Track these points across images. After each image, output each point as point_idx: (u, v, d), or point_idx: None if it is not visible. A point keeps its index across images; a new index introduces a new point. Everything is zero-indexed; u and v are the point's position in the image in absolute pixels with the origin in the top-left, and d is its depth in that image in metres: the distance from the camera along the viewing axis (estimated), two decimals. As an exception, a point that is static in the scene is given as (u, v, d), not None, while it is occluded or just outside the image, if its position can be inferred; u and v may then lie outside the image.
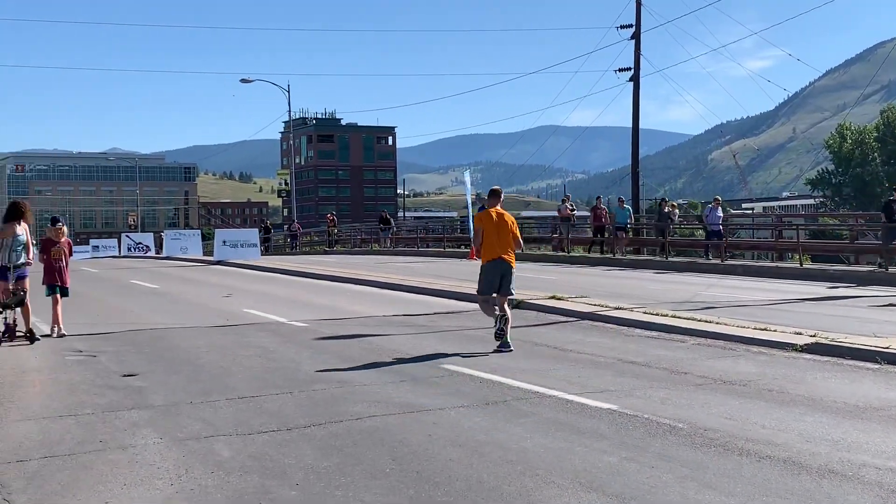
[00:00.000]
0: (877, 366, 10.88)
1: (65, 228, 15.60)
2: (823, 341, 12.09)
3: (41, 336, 13.98)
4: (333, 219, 59.59)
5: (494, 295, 13.09)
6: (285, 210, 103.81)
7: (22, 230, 13.95)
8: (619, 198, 39.89)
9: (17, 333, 13.75)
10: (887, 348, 11.37)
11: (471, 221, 38.76)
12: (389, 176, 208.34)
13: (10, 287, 13.60)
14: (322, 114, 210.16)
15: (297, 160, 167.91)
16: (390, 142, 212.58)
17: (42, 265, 15.00)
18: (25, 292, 13.70)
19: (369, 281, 24.46)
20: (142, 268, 36.65)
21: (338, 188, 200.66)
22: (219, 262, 38.37)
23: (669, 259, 31.70)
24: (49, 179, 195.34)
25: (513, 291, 13.27)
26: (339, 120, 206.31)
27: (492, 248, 13.06)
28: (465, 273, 26.81)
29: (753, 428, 7.88)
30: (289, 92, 61.96)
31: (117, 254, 53.65)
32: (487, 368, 10.95)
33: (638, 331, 14.27)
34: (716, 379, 10.24)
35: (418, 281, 23.61)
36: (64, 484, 6.46)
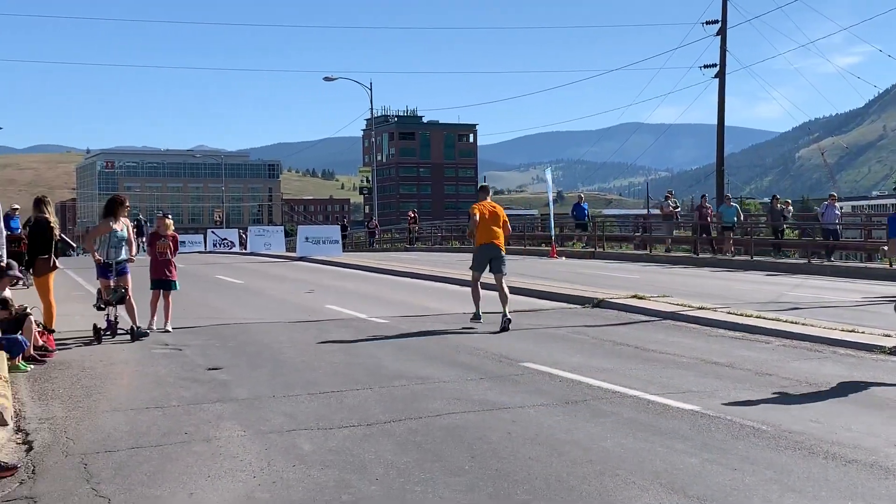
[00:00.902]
0: (970, 370, 10.58)
1: (169, 222, 15.41)
2: (914, 344, 11.79)
3: (148, 329, 14.04)
4: (414, 216, 59.83)
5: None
6: (366, 207, 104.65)
7: (121, 226, 13.86)
8: (727, 195, 37.62)
9: (119, 331, 13.68)
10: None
11: (552, 219, 38.72)
12: (470, 173, 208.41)
13: (112, 284, 13.58)
14: (404, 111, 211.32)
15: (379, 157, 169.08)
16: (471, 139, 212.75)
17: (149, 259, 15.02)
18: (126, 289, 13.64)
19: (449, 278, 24.50)
20: (226, 263, 37.22)
21: (418, 185, 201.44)
22: (301, 259, 38.77)
23: (781, 260, 30.19)
24: (138, 176, 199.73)
25: (504, 271, 15.04)
26: (421, 117, 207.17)
27: (484, 234, 15.10)
28: (545, 271, 26.75)
29: (840, 431, 7.73)
30: (371, 89, 62.44)
31: (203, 249, 54.44)
32: (567, 367, 10.91)
33: (721, 331, 14.07)
34: (801, 381, 10.06)
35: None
36: (150, 474, 6.60)
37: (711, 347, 12.62)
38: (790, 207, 35.35)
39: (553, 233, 39.00)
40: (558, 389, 9.66)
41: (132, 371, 11.10)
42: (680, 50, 51.62)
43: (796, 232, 36.59)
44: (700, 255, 33.52)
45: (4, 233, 11.45)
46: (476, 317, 15.18)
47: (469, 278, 15.72)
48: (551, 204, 40.65)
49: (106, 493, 6.17)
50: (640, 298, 17.52)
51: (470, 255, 15.78)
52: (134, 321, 13.62)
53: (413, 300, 19.56)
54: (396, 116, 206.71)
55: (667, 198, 39.38)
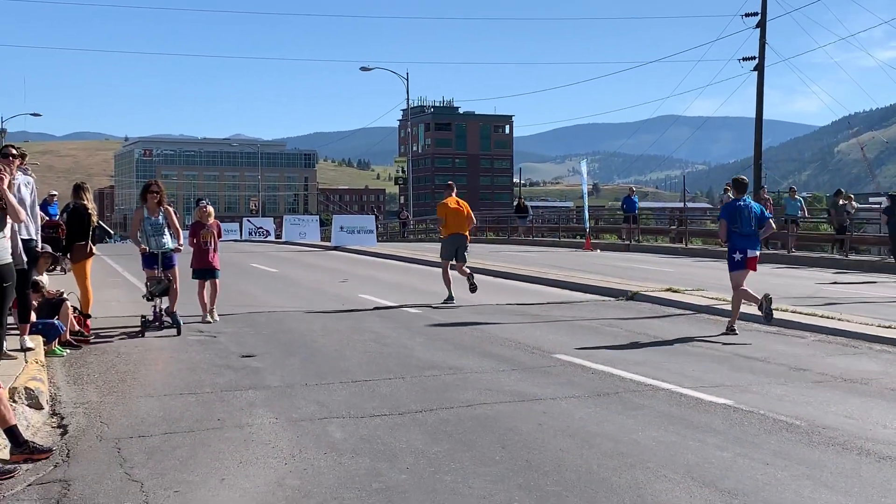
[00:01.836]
0: None
1: (210, 209, 14.98)
2: (952, 341, 11.65)
3: (203, 322, 13.92)
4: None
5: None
6: (401, 197, 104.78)
7: (157, 212, 13.47)
8: (791, 187, 35.14)
9: (165, 323, 13.20)
10: None
11: (586, 211, 38.60)
12: (506, 165, 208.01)
13: (156, 274, 13.29)
14: (440, 102, 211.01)
15: (415, 148, 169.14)
16: (507, 130, 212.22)
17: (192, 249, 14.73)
18: (171, 280, 13.29)
19: (482, 269, 24.47)
20: (262, 252, 37.41)
21: (454, 176, 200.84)
22: (336, 248, 38.89)
23: (849, 257, 29.02)
24: (175, 164, 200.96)
25: (466, 258, 17.75)
26: (457, 108, 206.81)
27: (451, 226, 17.68)
28: (579, 263, 26.68)
29: (874, 427, 7.65)
30: (407, 80, 62.42)
31: (238, 238, 54.77)
32: (600, 360, 10.87)
33: (756, 325, 13.97)
34: (836, 376, 9.97)
35: (531, 270, 23.55)
36: (183, 459, 6.66)
37: (745, 341, 12.53)
38: (854, 203, 32.56)
39: (588, 225, 38.88)
40: (590, 381, 9.64)
41: (167, 357, 11.19)
42: (718, 42, 51.32)
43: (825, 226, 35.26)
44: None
45: (40, 218, 11.55)
46: (450, 298, 16.99)
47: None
48: (585, 196, 40.49)
49: (139, 477, 6.23)
50: (675, 292, 17.43)
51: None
52: (171, 305, 13.30)
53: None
54: (432, 107, 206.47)
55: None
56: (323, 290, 20.00)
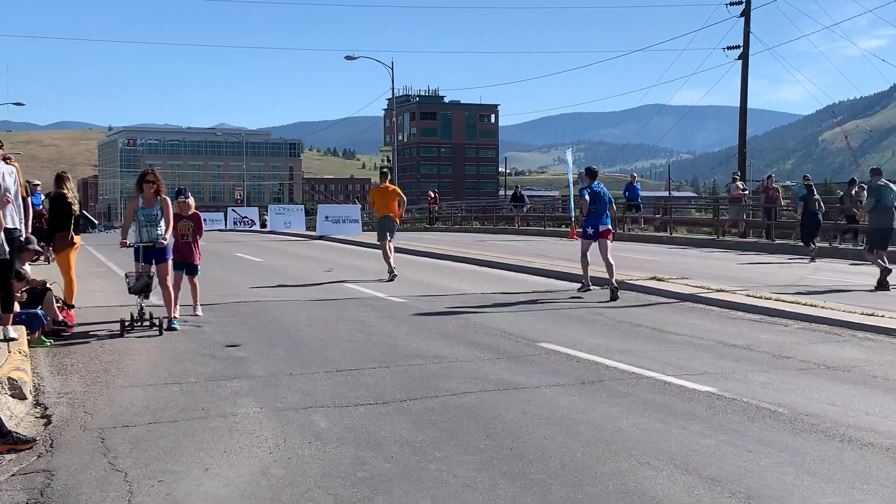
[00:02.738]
0: None
1: (191, 201, 14.04)
2: (934, 328, 11.72)
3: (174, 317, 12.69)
4: (435, 196, 59.85)
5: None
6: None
7: (154, 203, 12.58)
8: (805, 175, 32.95)
9: (146, 323, 12.15)
10: None
11: (572, 201, 38.67)
12: (491, 154, 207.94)
13: (140, 269, 12.29)
14: (425, 91, 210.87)
15: (400, 137, 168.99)
16: (493, 120, 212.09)
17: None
18: (151, 277, 12.30)
19: (468, 258, 24.53)
20: (246, 241, 37.34)
21: (439, 166, 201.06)
22: (321, 237, 38.85)
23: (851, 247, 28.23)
24: (159, 154, 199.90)
25: (393, 236, 20.17)
26: (442, 97, 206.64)
27: (382, 209, 20.25)
28: (564, 252, 26.70)
29: (856, 414, 7.70)
30: (392, 69, 62.29)
31: (223, 227, 54.61)
32: (584, 348, 10.90)
33: (740, 313, 14.03)
34: (819, 364, 10.02)
35: (517, 259, 23.58)
36: (167, 449, 6.65)
37: (729, 330, 12.58)
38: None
39: (573, 214, 38.94)
40: (575, 370, 9.66)
41: (151, 347, 11.15)
42: (703, 31, 51.41)
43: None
44: (721, 238, 33.32)
45: (26, 209, 11.50)
46: (391, 271, 19.34)
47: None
48: (571, 185, 40.52)
49: (122, 467, 6.22)
50: (659, 280, 17.48)
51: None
52: (170, 313, 12.47)
53: (431, 280, 19.57)
54: (418, 96, 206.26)
55: (733, 180, 35.87)
56: (308, 279, 19.97)
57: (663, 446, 6.70)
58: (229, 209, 61.75)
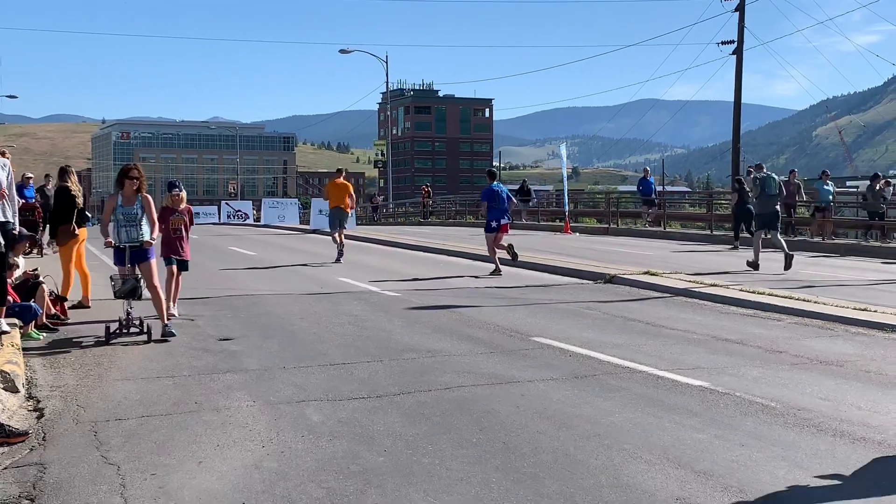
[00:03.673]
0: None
1: (184, 195, 13.28)
2: (926, 323, 11.74)
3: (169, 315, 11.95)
4: (428, 190, 59.82)
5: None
6: (381, 181, 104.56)
7: (134, 201, 11.31)
8: (824, 171, 32.15)
9: (133, 329, 11.17)
10: None
11: (566, 195, 38.72)
12: (486, 148, 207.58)
13: (126, 272, 11.19)
14: (420, 85, 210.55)
15: (394, 131, 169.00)
16: (487, 114, 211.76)
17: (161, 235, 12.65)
18: (139, 279, 11.21)
19: (462, 252, 24.52)
20: (240, 235, 37.27)
21: (434, 160, 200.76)
22: (315, 231, 38.81)
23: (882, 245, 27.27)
24: (153, 147, 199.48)
25: (346, 227, 23.67)
26: (437, 91, 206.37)
27: (334, 200, 23.04)
28: (558, 246, 26.74)
29: (849, 409, 7.72)
30: (387, 63, 62.32)
31: (217, 221, 54.55)
32: (577, 342, 10.91)
33: (733, 308, 14.05)
34: (812, 358, 10.04)
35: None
36: (159, 443, 6.64)
37: (722, 324, 12.60)
38: (891, 188, 29.93)
39: (567, 208, 38.97)
40: (568, 364, 9.67)
41: (143, 340, 11.12)
42: (698, 26, 51.42)
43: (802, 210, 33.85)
44: (714, 233, 33.34)
45: (17, 201, 11.47)
46: (341, 254, 22.40)
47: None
48: (565, 180, 40.56)
49: (115, 460, 6.22)
50: (653, 274, 17.50)
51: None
52: (162, 317, 11.42)
53: (425, 273, 19.56)
54: (412, 90, 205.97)
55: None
56: (301, 273, 19.96)
57: (656, 440, 6.71)
58: (223, 203, 61.69)
